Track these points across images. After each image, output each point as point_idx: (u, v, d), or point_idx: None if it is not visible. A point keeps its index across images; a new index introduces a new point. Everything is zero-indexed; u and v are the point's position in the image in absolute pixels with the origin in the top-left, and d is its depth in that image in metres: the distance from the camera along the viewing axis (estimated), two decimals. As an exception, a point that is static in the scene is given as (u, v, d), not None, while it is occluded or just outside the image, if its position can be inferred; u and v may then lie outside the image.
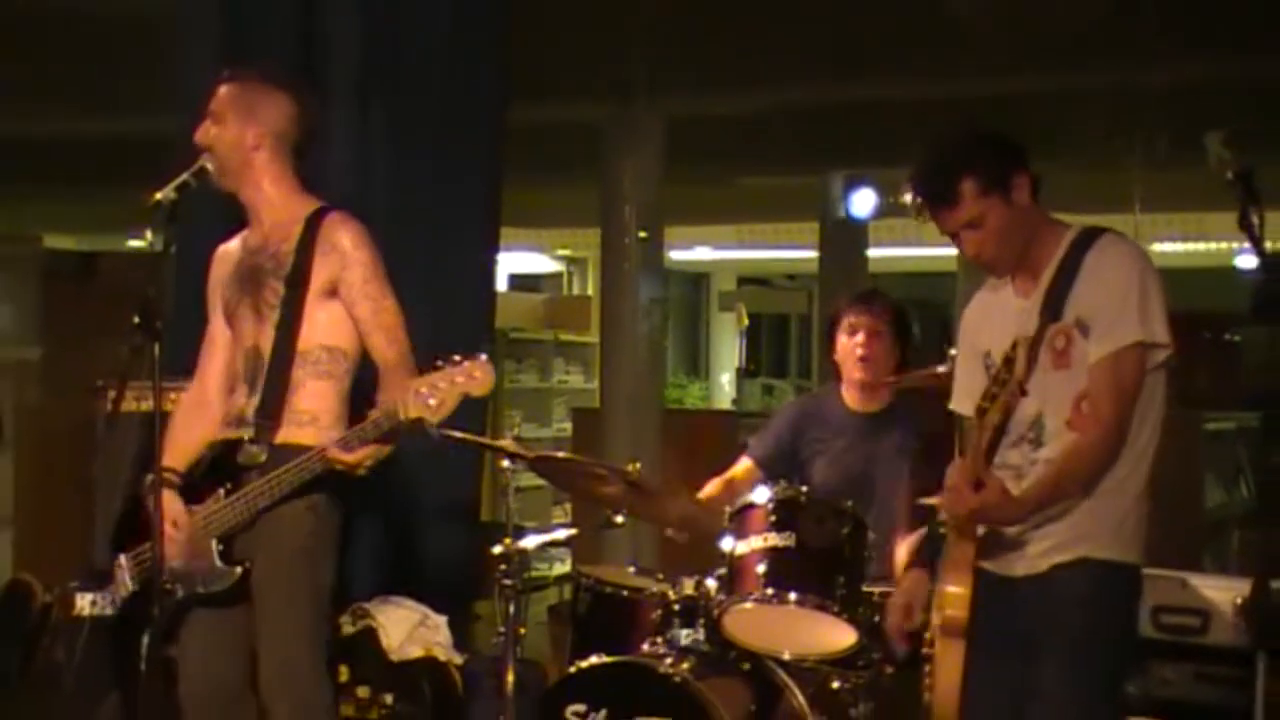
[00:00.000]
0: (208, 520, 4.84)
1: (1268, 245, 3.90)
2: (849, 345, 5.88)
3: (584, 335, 15.22)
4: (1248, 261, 3.95)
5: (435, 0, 6.80)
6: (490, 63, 6.92)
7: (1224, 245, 16.64)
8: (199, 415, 5.04)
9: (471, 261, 6.92)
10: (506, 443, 5.68)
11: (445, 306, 6.35)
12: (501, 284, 13.91)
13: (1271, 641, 3.77)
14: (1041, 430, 4.31)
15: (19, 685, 6.75)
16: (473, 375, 4.53)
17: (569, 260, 20.79)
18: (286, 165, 5.02)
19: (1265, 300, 3.75)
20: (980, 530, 4.34)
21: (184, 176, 4.67)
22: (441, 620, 6.40)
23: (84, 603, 5.95)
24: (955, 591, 4.36)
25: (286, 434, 4.82)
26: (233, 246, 5.11)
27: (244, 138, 4.91)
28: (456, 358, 4.58)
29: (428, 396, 4.50)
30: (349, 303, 4.86)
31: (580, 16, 8.42)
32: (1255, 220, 3.76)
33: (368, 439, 4.67)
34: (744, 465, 6.02)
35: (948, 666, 4.36)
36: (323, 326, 4.86)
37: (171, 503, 4.84)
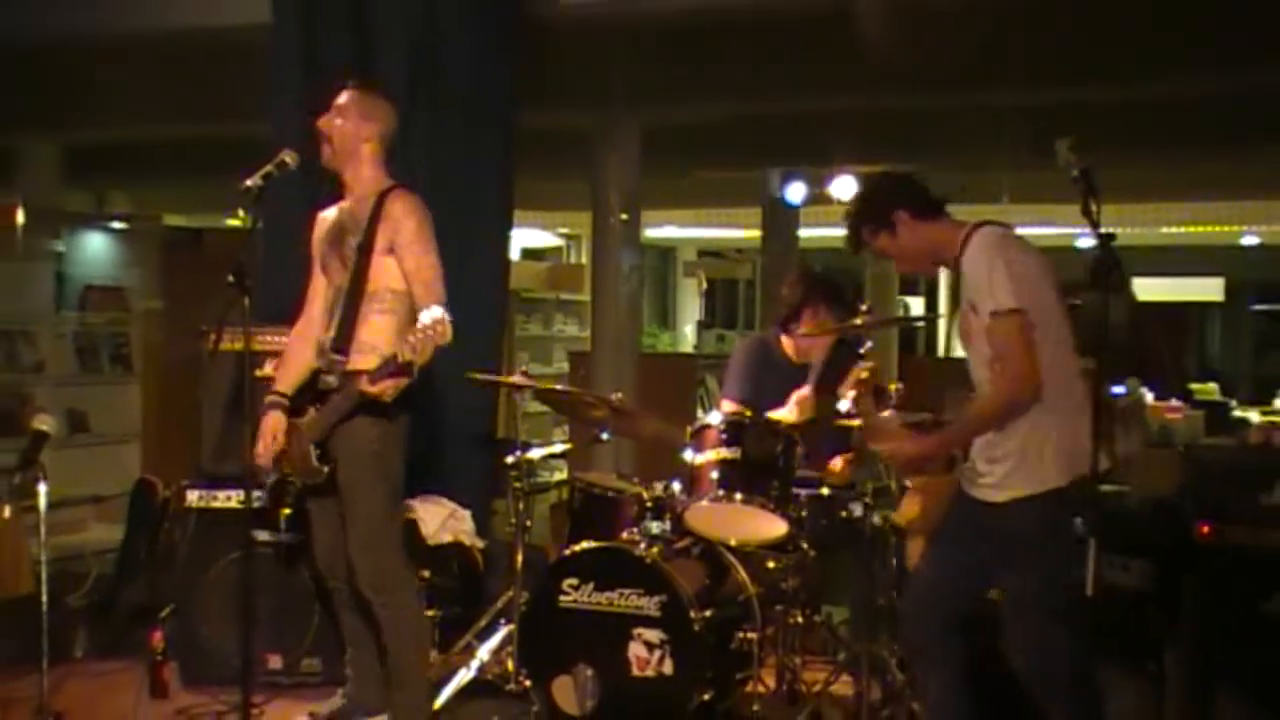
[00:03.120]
0: (305, 431, 4.91)
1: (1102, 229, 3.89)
2: (813, 344, 5.80)
3: (578, 295, 15.13)
4: (1086, 242, 4.01)
5: (462, 31, 6.75)
6: (504, 78, 6.89)
7: (1069, 230, 16.66)
8: (303, 347, 5.11)
9: (491, 236, 6.89)
10: (517, 377, 5.64)
11: (471, 272, 6.31)
12: (514, 254, 13.83)
13: (1100, 531, 3.75)
14: (978, 388, 4.34)
15: (148, 556, 6.73)
16: (436, 329, 4.56)
17: (567, 236, 20.68)
18: (383, 158, 5.11)
19: (1098, 271, 3.73)
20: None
21: (268, 167, 4.66)
22: (466, 514, 6.38)
23: (193, 497, 5.94)
24: (911, 507, 4.81)
25: (353, 361, 4.87)
26: (329, 213, 5.18)
27: (361, 131, 5.01)
28: (436, 309, 4.64)
29: (413, 345, 4.56)
30: (399, 258, 4.90)
31: (574, 44, 8.36)
32: (1094, 208, 3.74)
33: (381, 376, 4.71)
34: (730, 408, 5.91)
35: (912, 550, 4.72)
36: (389, 273, 4.91)
37: (276, 419, 4.96)
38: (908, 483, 4.94)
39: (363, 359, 4.85)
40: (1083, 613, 4.18)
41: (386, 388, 4.74)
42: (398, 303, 4.92)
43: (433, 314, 4.57)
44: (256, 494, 5.19)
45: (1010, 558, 4.22)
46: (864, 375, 4.70)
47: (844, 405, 5.21)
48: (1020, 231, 4.38)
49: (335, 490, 4.96)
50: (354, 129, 5.02)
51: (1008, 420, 4.23)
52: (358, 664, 5.26)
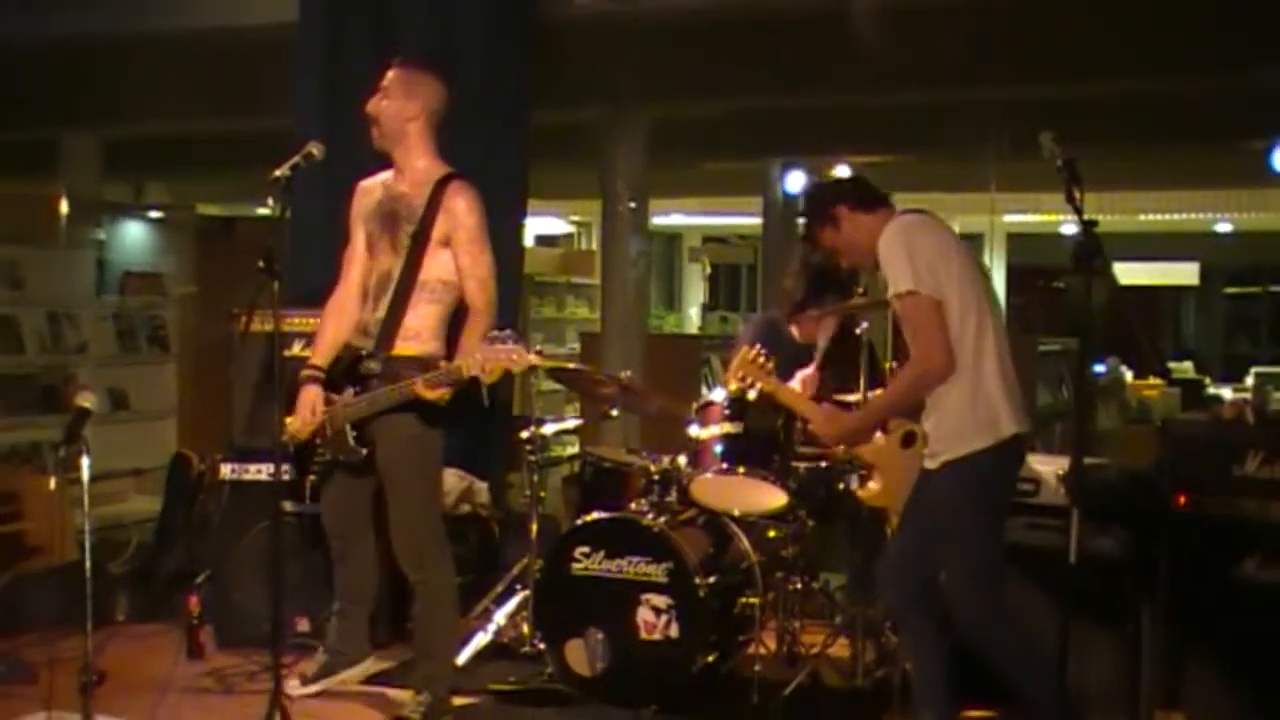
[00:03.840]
0: (344, 410, 4.85)
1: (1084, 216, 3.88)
2: (818, 326, 5.75)
3: (589, 279, 15.12)
4: (1070, 228, 3.99)
5: (479, 31, 6.74)
6: (519, 76, 6.87)
7: (1053, 216, 16.61)
8: (339, 318, 5.01)
9: (507, 223, 6.86)
10: (531, 357, 5.64)
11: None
12: (529, 240, 13.82)
13: (1082, 502, 3.77)
14: None
15: (184, 526, 6.74)
16: (512, 357, 4.50)
17: (578, 223, 20.65)
18: (431, 136, 4.94)
19: (1081, 255, 3.73)
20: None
21: (295, 158, 4.62)
22: (483, 485, 6.39)
23: (226, 470, 5.94)
24: (873, 484, 4.90)
25: (399, 347, 4.80)
26: (374, 184, 5.02)
27: (405, 110, 4.85)
28: (508, 332, 4.56)
29: (483, 364, 4.49)
30: (456, 253, 4.80)
31: (584, 43, 8.35)
32: (1077, 196, 3.74)
33: (441, 383, 4.64)
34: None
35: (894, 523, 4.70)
36: (440, 265, 4.81)
37: (315, 394, 4.90)
38: (866, 460, 4.95)
39: (406, 345, 4.80)
40: (1001, 570, 4.28)
41: (442, 395, 4.68)
42: (447, 294, 4.85)
43: (511, 345, 4.47)
44: (285, 466, 5.21)
45: (939, 523, 4.28)
46: (753, 355, 4.73)
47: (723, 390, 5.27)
48: (1008, 219, 4.40)
49: (371, 469, 4.92)
50: (398, 109, 4.85)
51: (919, 393, 4.31)
52: (347, 617, 5.27)
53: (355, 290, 5.01)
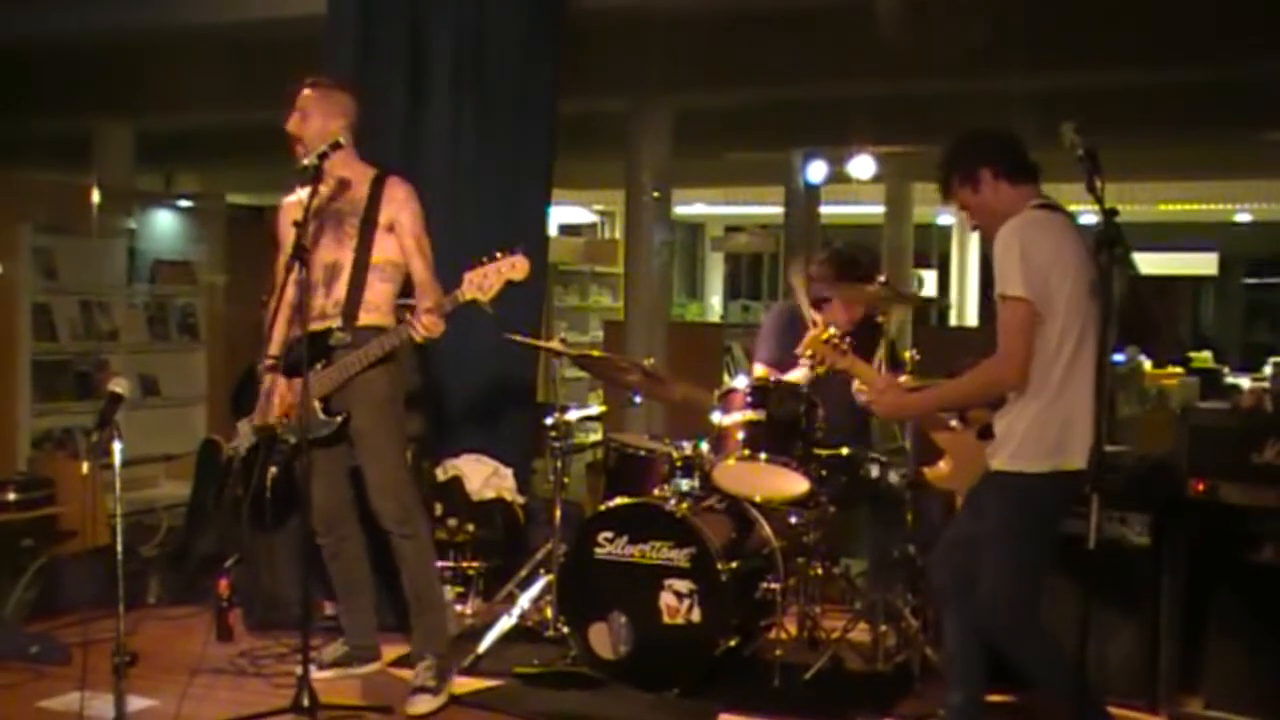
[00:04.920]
0: (316, 386, 4.85)
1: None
2: (843, 313, 5.70)
3: (612, 268, 15.13)
4: (1089, 218, 3.96)
5: (508, 22, 6.72)
6: (547, 67, 6.85)
7: (1071, 207, 16.56)
8: (283, 322, 5.03)
9: (532, 213, 6.86)
10: (555, 344, 5.64)
11: (513, 245, 6.30)
12: (553, 230, 13.83)
13: (1100, 484, 3.73)
14: None
15: (214, 510, 6.76)
16: (514, 265, 4.68)
17: (602, 213, 20.68)
18: (353, 145, 5.04)
19: (1102, 243, 3.69)
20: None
21: (323, 148, 4.69)
22: (509, 471, 6.38)
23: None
24: (941, 466, 4.71)
25: (363, 319, 4.90)
26: (298, 200, 5.01)
27: (328, 128, 4.93)
28: (499, 254, 4.72)
29: (479, 281, 4.65)
30: (400, 235, 4.95)
31: (610, 35, 8.35)
32: (1098, 186, 3.70)
33: (445, 313, 4.75)
34: (760, 370, 5.84)
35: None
36: (389, 248, 4.95)
37: (279, 381, 4.97)
38: (940, 445, 4.87)
39: (369, 317, 4.90)
40: (1036, 584, 4.18)
41: (437, 326, 4.76)
42: (397, 273, 4.98)
43: (501, 259, 4.66)
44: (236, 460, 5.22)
45: (989, 525, 4.18)
46: (826, 334, 4.67)
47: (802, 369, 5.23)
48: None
49: (339, 440, 4.98)
50: (321, 127, 4.95)
51: (985, 396, 4.21)
52: (353, 613, 5.30)
53: (290, 296, 5.02)
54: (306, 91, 5.05)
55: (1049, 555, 4.23)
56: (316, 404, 4.87)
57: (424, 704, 4.82)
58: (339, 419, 4.91)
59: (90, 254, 8.69)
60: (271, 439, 4.96)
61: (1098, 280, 3.96)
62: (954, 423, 4.64)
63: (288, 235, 5.04)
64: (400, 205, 4.96)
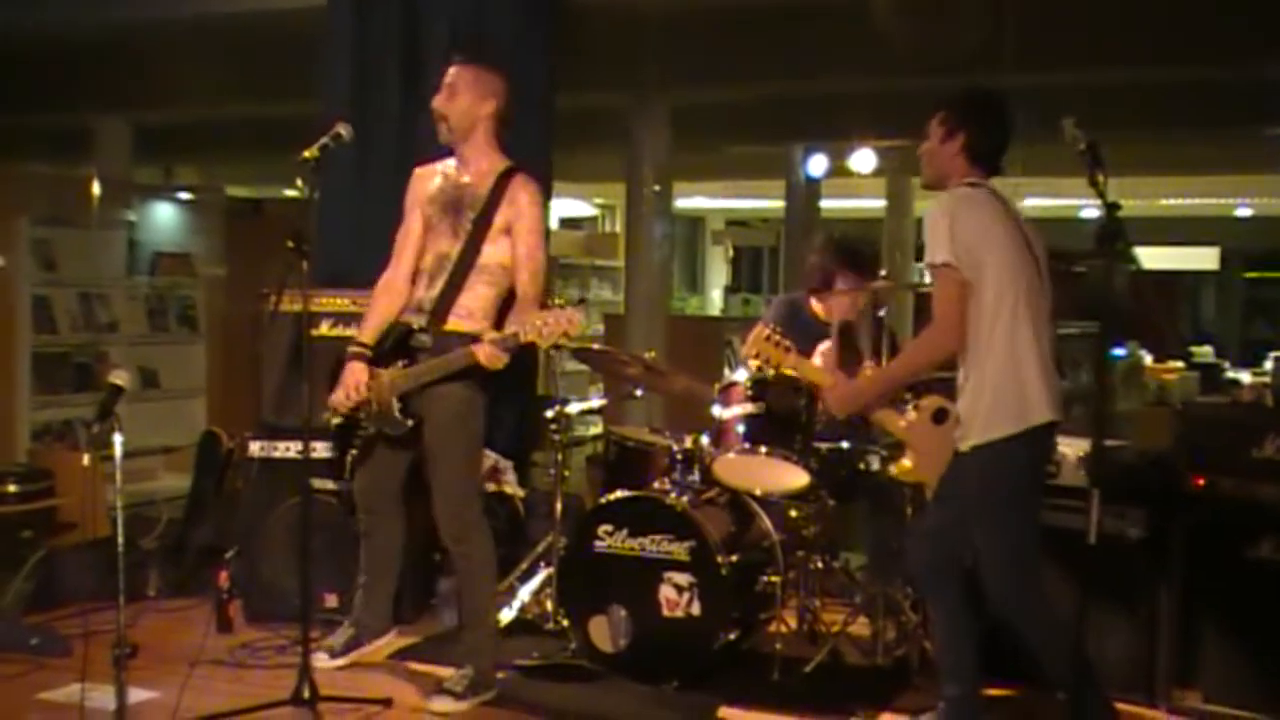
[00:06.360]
0: (391, 383, 4.89)
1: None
2: (844, 303, 5.72)
3: (613, 261, 15.13)
4: (1090, 212, 3.95)
5: (505, 15, 6.73)
6: (545, 62, 6.86)
7: (1073, 202, 16.58)
8: (390, 296, 5.04)
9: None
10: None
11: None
12: (553, 223, 13.82)
13: (1101, 483, 3.75)
14: None
15: (214, 502, 6.77)
16: (571, 320, 4.53)
17: (603, 206, 20.67)
18: (497, 133, 5.00)
19: (1104, 238, 3.71)
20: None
21: (324, 140, 4.68)
22: (509, 464, 6.39)
23: (255, 447, 5.95)
24: (905, 459, 4.66)
25: (452, 323, 4.85)
26: (433, 170, 5.06)
27: (477, 109, 4.90)
28: (560, 303, 4.65)
29: (541, 329, 4.53)
30: (514, 242, 4.86)
31: (609, 29, 8.35)
32: (1100, 180, 3.72)
33: (506, 348, 4.66)
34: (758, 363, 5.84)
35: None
36: (499, 251, 4.87)
37: (360, 369, 4.94)
38: (897, 437, 4.89)
39: (459, 322, 4.85)
40: (1034, 549, 4.24)
41: (499, 361, 4.69)
42: (504, 278, 4.89)
43: (567, 310, 4.54)
44: (323, 444, 5.28)
45: (970, 505, 4.25)
46: (766, 333, 4.70)
47: (745, 370, 5.25)
48: (1029, 203, 4.35)
49: (412, 444, 4.96)
50: (469, 107, 4.89)
51: (930, 364, 4.33)
52: (372, 591, 5.31)
53: (406, 271, 5.04)
54: (455, 69, 4.95)
55: (1037, 523, 4.31)
56: (394, 402, 4.87)
57: (444, 705, 4.81)
58: (410, 423, 4.89)
59: (90, 246, 8.70)
60: (354, 424, 4.98)
61: (1034, 251, 4.25)
62: (909, 412, 4.65)
63: (413, 205, 5.05)
64: (520, 210, 4.86)
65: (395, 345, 4.93)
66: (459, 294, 4.86)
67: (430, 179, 5.04)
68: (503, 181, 4.89)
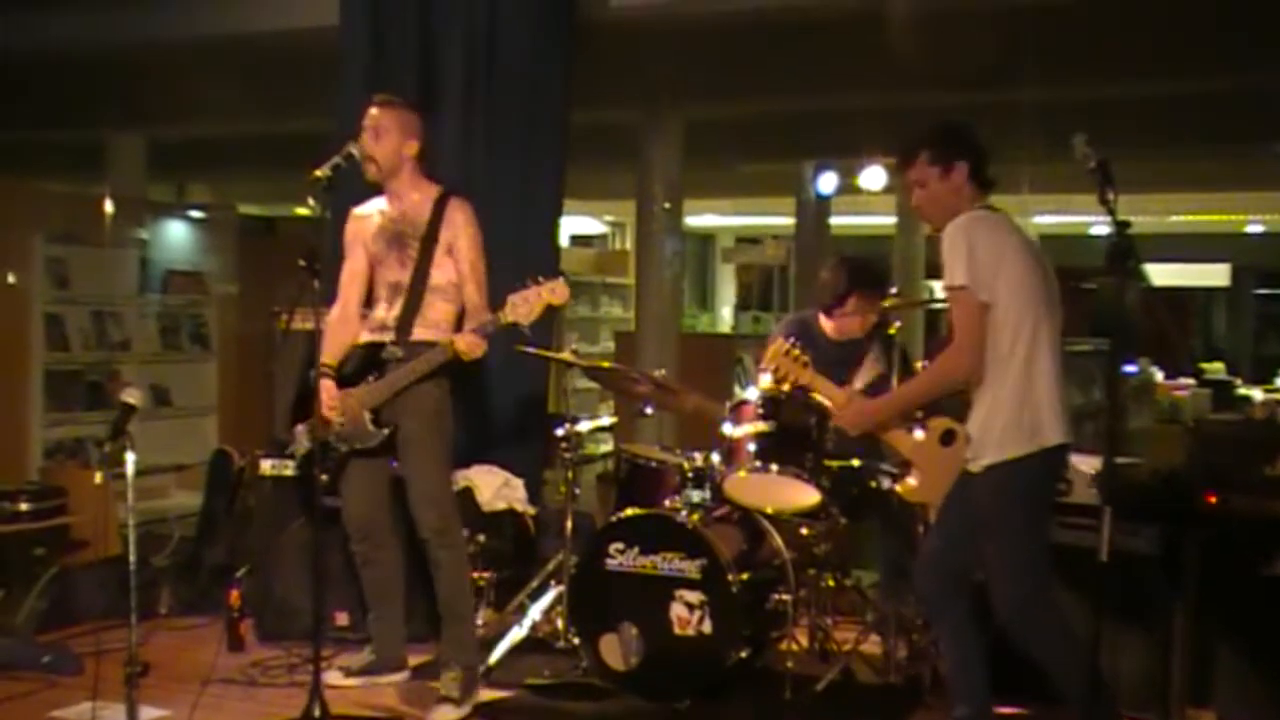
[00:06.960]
0: (359, 400, 4.99)
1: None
2: (855, 321, 5.75)
3: (624, 279, 15.14)
4: (1101, 229, 3.94)
5: (519, 33, 6.75)
6: (558, 79, 6.88)
7: (1083, 219, 16.54)
8: (345, 325, 5.18)
9: (543, 223, 6.89)
10: (567, 355, 5.65)
11: (525, 256, 6.32)
12: (564, 240, 13.84)
13: (1113, 500, 3.74)
14: None
15: (225, 520, 6.78)
16: (554, 290, 4.79)
17: (613, 224, 20.67)
18: (421, 164, 5.16)
19: (1115, 255, 3.71)
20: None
21: (336, 159, 4.71)
22: (519, 482, 6.39)
23: (266, 465, 5.99)
24: (910, 479, 4.68)
25: (419, 334, 4.99)
26: (369, 211, 5.22)
27: (404, 148, 5.07)
28: (540, 278, 4.82)
29: (520, 305, 4.76)
30: (457, 259, 5.03)
31: (621, 46, 8.36)
32: (1110, 197, 3.72)
33: (485, 334, 4.82)
34: (769, 380, 5.83)
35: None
36: (447, 270, 5.04)
37: (330, 389, 5.01)
38: (904, 456, 4.89)
39: (426, 332, 4.99)
40: (1046, 566, 4.24)
41: (478, 346, 4.84)
42: (456, 295, 5.05)
43: (543, 283, 4.77)
44: (290, 465, 5.46)
45: (982, 523, 4.25)
46: (786, 348, 4.72)
47: (763, 381, 5.24)
48: (1039, 220, 4.36)
49: (385, 452, 5.06)
50: (395, 146, 5.07)
51: (946, 387, 4.34)
52: (383, 622, 5.33)
53: (355, 307, 5.22)
54: (376, 110, 5.12)
55: (1048, 541, 4.32)
56: (366, 415, 4.99)
57: (446, 715, 4.85)
58: (386, 431, 5.00)
59: (102, 264, 8.73)
60: (324, 445, 5.00)
61: (1046, 274, 4.27)
62: (918, 432, 4.65)
63: (354, 245, 5.21)
64: (458, 229, 5.05)
65: (363, 363, 5.06)
66: (419, 310, 5.02)
67: (369, 219, 5.21)
68: (439, 206, 5.07)
